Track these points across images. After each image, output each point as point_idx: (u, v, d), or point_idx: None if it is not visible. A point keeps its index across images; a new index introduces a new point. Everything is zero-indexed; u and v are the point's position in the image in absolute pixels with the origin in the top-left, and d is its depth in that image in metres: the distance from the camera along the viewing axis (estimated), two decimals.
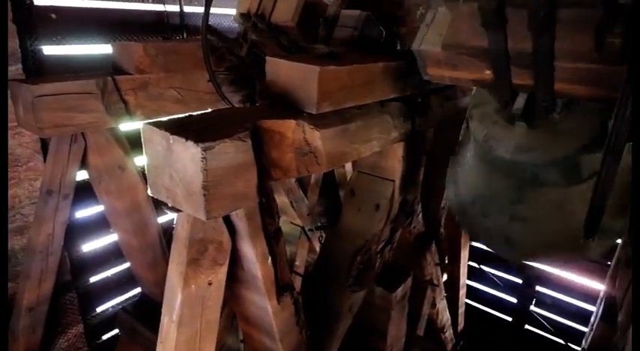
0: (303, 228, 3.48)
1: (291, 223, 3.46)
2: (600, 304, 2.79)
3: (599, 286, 3.29)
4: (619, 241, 2.48)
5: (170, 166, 1.13)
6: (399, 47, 2.08)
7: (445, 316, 3.43)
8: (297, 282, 3.09)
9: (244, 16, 2.19)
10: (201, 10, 1.93)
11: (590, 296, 4.01)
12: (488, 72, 1.34)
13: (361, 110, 1.58)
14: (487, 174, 1.67)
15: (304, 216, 3.41)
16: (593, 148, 1.31)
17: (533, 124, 1.40)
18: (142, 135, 1.17)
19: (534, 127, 1.40)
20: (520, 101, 1.36)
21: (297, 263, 3.67)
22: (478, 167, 1.69)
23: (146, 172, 1.22)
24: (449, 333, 3.59)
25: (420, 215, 2.49)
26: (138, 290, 2.96)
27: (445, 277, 3.44)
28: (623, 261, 2.48)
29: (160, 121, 1.16)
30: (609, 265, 2.91)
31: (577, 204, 1.41)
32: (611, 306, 2.58)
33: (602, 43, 1.09)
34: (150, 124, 1.15)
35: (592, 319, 2.87)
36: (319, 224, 3.31)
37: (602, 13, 1.08)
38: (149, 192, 1.24)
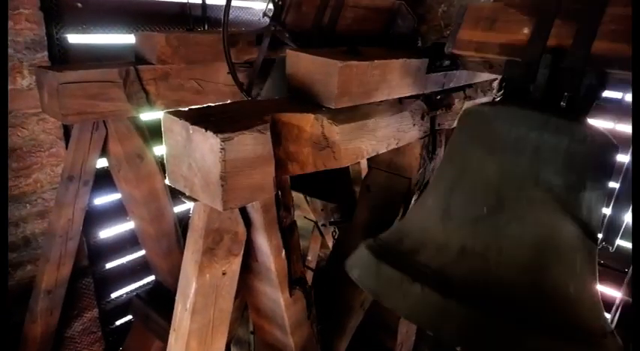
0: (316, 223, 3.48)
1: (305, 217, 3.46)
2: (616, 311, 2.74)
3: (614, 293, 3.24)
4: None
5: (189, 155, 1.14)
6: (419, 44, 2.06)
7: None
8: (309, 277, 3.10)
9: None
10: (222, 2, 1.94)
11: (605, 303, 3.92)
12: (525, 31, 1.28)
13: (380, 106, 1.57)
14: None
15: (318, 211, 3.41)
16: None
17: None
18: (162, 124, 1.19)
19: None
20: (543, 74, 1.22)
21: (309, 258, 3.68)
22: None
23: (165, 161, 1.23)
24: None
25: None
26: (152, 278, 3.00)
27: None
28: None
29: (181, 110, 1.17)
30: (626, 271, 2.85)
31: None
32: (627, 313, 2.54)
33: None
34: (170, 113, 1.16)
35: None
36: (332, 220, 3.31)
37: None
38: (167, 181, 1.25)
